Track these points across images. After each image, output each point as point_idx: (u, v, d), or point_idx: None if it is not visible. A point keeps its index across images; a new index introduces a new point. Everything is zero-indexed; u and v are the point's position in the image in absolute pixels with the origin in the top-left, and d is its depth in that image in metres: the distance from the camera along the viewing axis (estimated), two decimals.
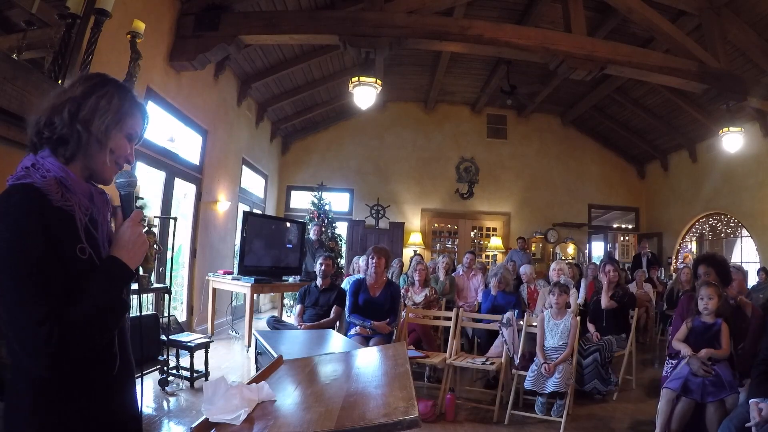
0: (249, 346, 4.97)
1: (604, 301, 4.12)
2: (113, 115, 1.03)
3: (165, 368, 3.69)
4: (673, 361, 2.97)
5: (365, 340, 3.77)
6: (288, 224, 6.63)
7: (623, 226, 11.17)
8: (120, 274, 1.00)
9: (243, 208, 7.60)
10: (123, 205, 1.09)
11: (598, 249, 10.65)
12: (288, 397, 1.26)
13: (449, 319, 3.92)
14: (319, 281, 4.45)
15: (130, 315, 1.22)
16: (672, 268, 9.02)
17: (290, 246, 6.34)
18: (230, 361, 4.89)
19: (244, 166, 7.66)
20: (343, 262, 8.07)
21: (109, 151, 1.05)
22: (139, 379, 1.14)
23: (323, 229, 7.57)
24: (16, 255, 0.87)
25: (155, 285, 3.86)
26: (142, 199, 3.54)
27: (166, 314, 4.00)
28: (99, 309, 0.93)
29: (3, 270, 0.87)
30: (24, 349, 0.87)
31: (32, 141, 1.02)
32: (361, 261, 5.10)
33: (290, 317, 6.27)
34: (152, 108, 4.70)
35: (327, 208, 8.08)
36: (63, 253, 0.92)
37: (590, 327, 4.19)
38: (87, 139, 1.01)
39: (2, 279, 0.87)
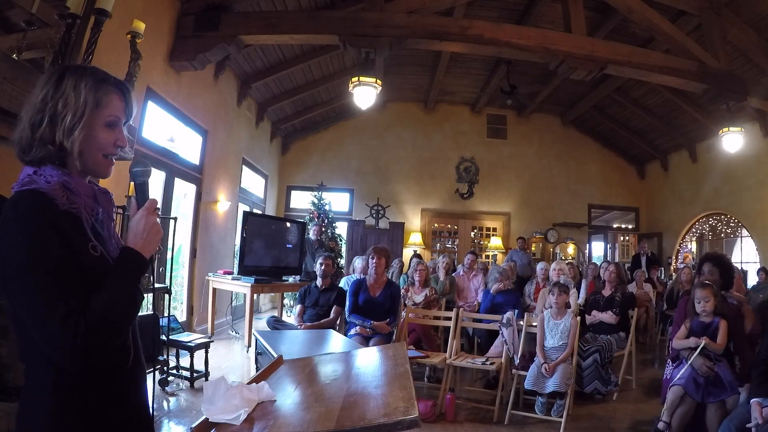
0: (249, 346, 4.97)
1: (606, 317, 4.14)
2: (72, 116, 0.97)
3: (165, 368, 3.69)
4: (674, 363, 2.96)
5: (365, 340, 3.77)
6: (288, 224, 6.63)
7: (623, 226, 11.16)
8: (135, 263, 1.00)
9: (243, 208, 7.60)
10: (137, 195, 1.08)
11: (598, 249, 10.64)
12: (288, 397, 1.25)
13: (449, 319, 3.92)
14: (319, 281, 4.45)
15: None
16: (672, 268, 9.02)
17: (290, 246, 6.34)
18: (230, 361, 4.89)
19: (244, 166, 7.66)
20: (343, 262, 8.07)
21: (90, 149, 1.00)
22: (150, 374, 1.15)
23: (323, 229, 7.57)
24: (35, 258, 0.88)
25: (155, 285, 3.85)
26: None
27: (166, 314, 3.99)
28: (119, 299, 0.94)
29: (23, 274, 0.88)
30: (52, 346, 0.88)
31: (21, 159, 1.00)
32: (356, 263, 5.09)
33: (290, 317, 6.27)
34: (152, 108, 4.70)
35: (327, 208, 8.08)
36: (77, 252, 0.94)
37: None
38: (59, 149, 0.98)
39: (23, 283, 0.88)
